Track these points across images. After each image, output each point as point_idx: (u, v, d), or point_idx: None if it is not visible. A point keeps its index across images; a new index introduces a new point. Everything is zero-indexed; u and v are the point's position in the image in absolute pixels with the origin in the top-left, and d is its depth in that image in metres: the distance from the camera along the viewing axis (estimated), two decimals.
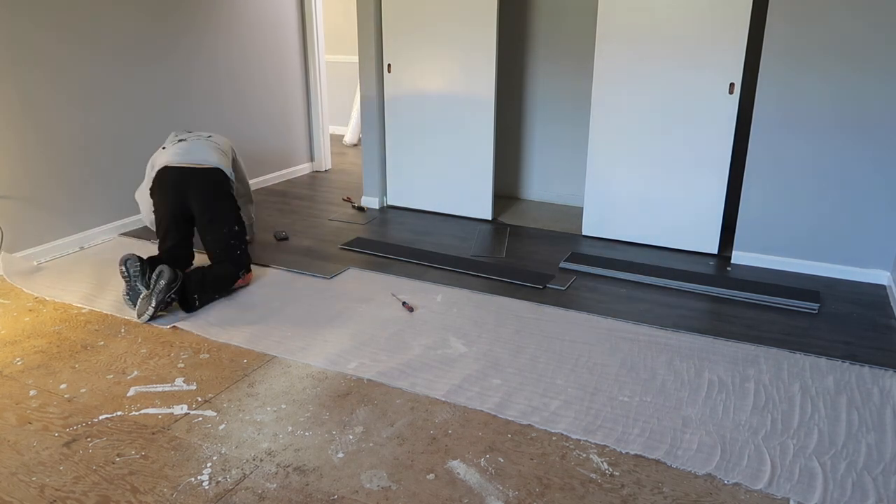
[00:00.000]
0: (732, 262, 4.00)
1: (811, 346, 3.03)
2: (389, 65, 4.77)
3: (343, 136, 7.88)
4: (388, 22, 4.68)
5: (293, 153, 5.93)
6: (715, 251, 4.11)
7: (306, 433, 2.40)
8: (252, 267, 3.74)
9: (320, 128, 6.06)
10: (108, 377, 2.74)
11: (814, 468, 2.22)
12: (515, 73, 5.02)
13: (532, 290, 3.58)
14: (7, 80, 3.64)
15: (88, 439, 2.35)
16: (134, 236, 4.35)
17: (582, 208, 4.91)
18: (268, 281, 3.67)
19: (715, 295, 3.55)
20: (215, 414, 2.51)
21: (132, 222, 4.46)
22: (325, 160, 6.20)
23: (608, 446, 2.33)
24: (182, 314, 3.26)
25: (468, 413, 2.51)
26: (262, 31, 5.33)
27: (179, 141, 3.72)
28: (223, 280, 3.45)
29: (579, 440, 2.36)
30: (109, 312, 3.29)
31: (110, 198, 4.31)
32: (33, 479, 2.16)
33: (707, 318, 3.30)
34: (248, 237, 3.87)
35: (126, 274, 3.28)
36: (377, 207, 5.07)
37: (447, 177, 4.81)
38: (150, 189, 3.60)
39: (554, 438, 2.37)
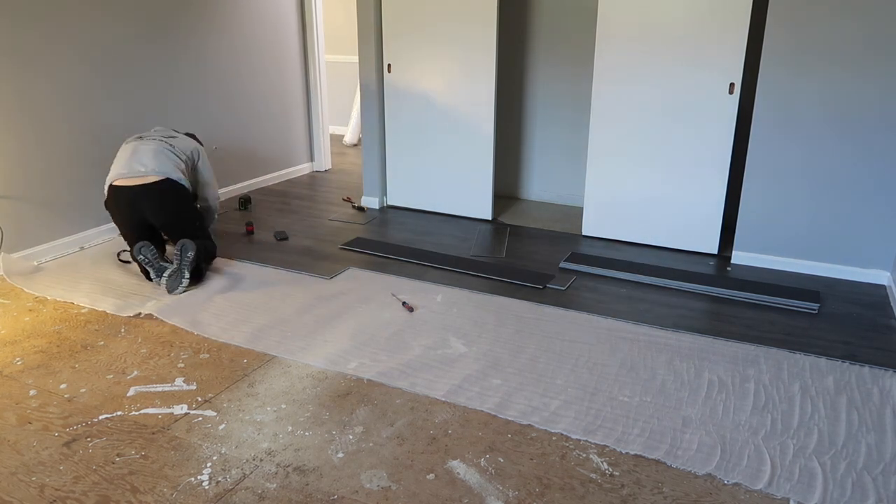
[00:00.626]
0: (732, 262, 4.00)
1: (811, 346, 3.03)
2: (389, 65, 4.77)
3: (343, 136, 7.88)
4: (388, 22, 4.68)
5: (293, 153, 5.93)
6: (715, 251, 4.11)
7: (306, 433, 2.40)
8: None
9: (320, 128, 6.06)
10: (108, 377, 2.74)
11: (814, 468, 2.22)
12: (515, 73, 5.02)
13: (532, 290, 3.58)
14: (7, 80, 3.64)
15: (88, 439, 2.35)
16: None
17: (582, 208, 4.91)
18: (268, 281, 3.67)
19: (715, 295, 3.55)
20: (215, 414, 2.51)
21: None
22: (325, 160, 6.20)
23: (608, 446, 2.33)
24: (183, 311, 3.26)
25: (468, 413, 2.51)
26: (262, 32, 5.33)
27: (135, 140, 3.75)
28: (213, 253, 3.81)
29: (579, 440, 2.36)
30: (109, 312, 3.29)
31: None
32: (33, 478, 2.16)
33: (707, 318, 3.30)
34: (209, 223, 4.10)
35: (146, 259, 3.48)
36: (377, 207, 5.07)
37: (447, 177, 4.81)
38: (105, 203, 3.66)
39: (554, 438, 2.37)
